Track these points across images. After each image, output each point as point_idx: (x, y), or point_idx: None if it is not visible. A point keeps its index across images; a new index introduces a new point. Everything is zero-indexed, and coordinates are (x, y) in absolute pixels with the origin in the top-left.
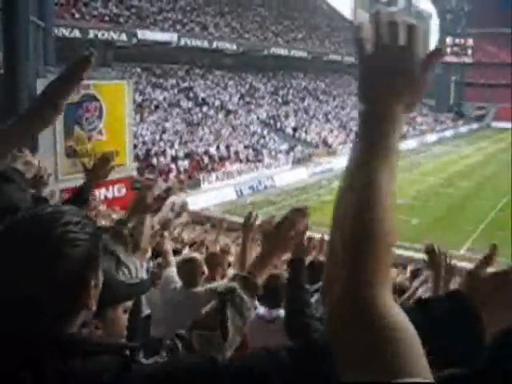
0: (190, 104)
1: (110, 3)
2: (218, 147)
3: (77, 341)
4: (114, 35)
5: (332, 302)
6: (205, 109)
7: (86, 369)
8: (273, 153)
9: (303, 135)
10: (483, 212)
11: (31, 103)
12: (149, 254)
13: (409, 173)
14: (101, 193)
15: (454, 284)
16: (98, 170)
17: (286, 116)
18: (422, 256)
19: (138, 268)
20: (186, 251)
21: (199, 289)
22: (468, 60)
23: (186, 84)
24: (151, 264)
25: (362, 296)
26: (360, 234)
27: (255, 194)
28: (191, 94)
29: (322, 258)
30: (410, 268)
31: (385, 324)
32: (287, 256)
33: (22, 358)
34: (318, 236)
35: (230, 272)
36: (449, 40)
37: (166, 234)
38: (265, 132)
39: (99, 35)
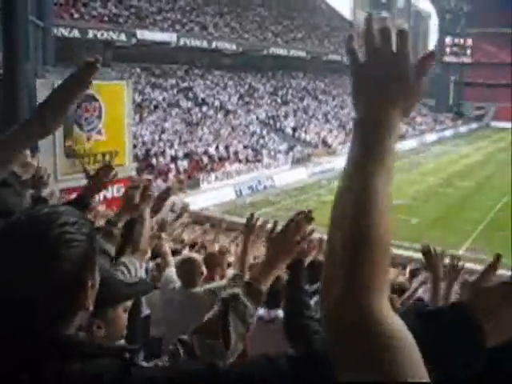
0: (190, 104)
1: (109, 3)
2: (217, 147)
3: (74, 343)
4: (113, 35)
5: (330, 305)
6: (204, 109)
7: (85, 371)
8: (272, 153)
9: (302, 135)
10: (483, 212)
11: (32, 113)
12: (148, 254)
13: (408, 173)
14: (100, 193)
15: (457, 284)
16: (101, 177)
17: (286, 116)
18: (420, 256)
19: (137, 268)
20: (185, 251)
21: (198, 289)
22: (467, 60)
23: (185, 84)
24: (150, 265)
25: (359, 300)
26: (357, 238)
27: (254, 194)
28: (190, 94)
29: (321, 257)
30: (409, 268)
31: (381, 330)
32: None
33: (20, 359)
34: (317, 236)
35: (230, 272)
36: (448, 40)
37: (163, 235)
38: (264, 132)
39: (98, 35)
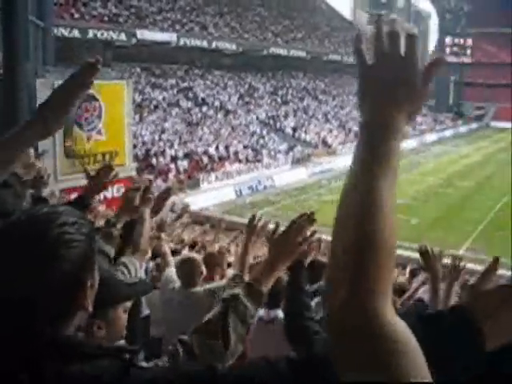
0: (190, 104)
1: (109, 3)
2: (217, 147)
3: (74, 343)
4: (113, 35)
5: (334, 307)
6: (204, 109)
7: (84, 372)
8: (272, 153)
9: (302, 135)
10: (483, 212)
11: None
12: (149, 254)
13: (408, 173)
14: (100, 193)
15: (458, 284)
16: (102, 178)
17: (286, 116)
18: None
19: (137, 268)
20: (185, 251)
21: (198, 289)
22: (467, 60)
23: (185, 84)
24: (150, 265)
25: (364, 304)
26: (362, 242)
27: (254, 194)
28: (190, 94)
29: (321, 257)
30: (409, 268)
31: (386, 334)
32: None
33: (19, 359)
34: (317, 236)
35: (230, 272)
36: (448, 40)
37: (162, 235)
38: (264, 132)
39: (98, 35)
